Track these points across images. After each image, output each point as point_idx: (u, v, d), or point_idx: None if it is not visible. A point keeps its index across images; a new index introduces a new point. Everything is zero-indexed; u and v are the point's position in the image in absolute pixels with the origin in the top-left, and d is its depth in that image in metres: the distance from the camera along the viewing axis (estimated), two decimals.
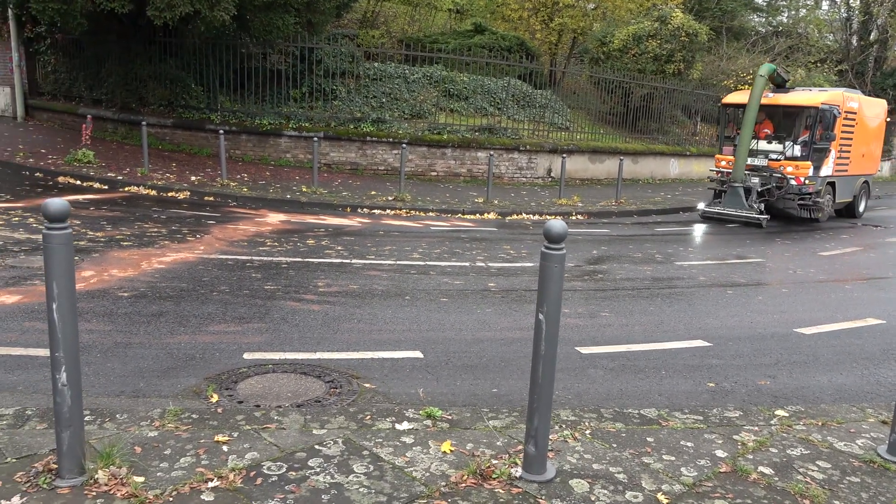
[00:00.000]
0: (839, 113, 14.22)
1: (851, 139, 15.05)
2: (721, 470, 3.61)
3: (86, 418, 3.76)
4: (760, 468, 3.67)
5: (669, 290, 8.20)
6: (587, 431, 3.99)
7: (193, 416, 3.93)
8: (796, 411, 4.52)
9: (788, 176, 13.92)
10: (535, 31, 25.09)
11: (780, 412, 4.47)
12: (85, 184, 13.06)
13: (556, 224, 3.21)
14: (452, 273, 8.39)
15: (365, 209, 13.05)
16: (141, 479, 3.21)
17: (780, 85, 15.00)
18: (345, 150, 17.79)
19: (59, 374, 3.04)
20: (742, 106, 14.66)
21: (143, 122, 14.51)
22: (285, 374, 4.92)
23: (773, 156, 14.19)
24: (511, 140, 18.96)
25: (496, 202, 14.56)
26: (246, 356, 5.20)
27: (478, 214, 13.54)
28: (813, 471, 3.68)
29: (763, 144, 14.39)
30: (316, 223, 11.34)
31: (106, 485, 3.13)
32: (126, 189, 12.91)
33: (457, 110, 19.44)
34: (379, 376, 4.99)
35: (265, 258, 8.43)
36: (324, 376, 4.90)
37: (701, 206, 14.92)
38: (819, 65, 30.08)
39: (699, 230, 13.36)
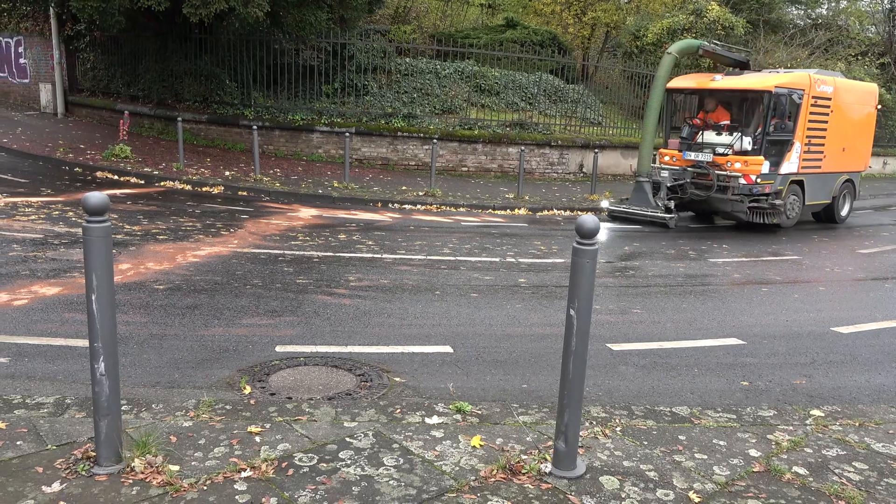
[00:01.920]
0: (801, 99, 12.20)
1: (825, 130, 12.79)
2: (754, 469, 3.56)
3: (123, 408, 3.83)
4: (795, 468, 3.61)
5: (703, 288, 8.12)
6: (618, 428, 3.96)
7: (227, 407, 3.99)
8: (832, 411, 4.44)
9: (734, 173, 12.08)
10: (567, 26, 24.89)
11: (815, 412, 4.39)
12: (122, 178, 13.32)
13: (588, 219, 3.19)
14: (483, 268, 8.40)
15: (396, 204, 13.11)
16: (176, 467, 3.26)
17: (739, 65, 13.60)
18: (376, 146, 17.86)
19: (98, 364, 3.10)
20: (689, 91, 13.43)
21: (179, 118, 14.73)
22: (317, 367, 4.97)
23: (721, 150, 12.32)
24: (542, 135, 18.85)
25: (527, 198, 14.50)
26: (278, 349, 5.26)
27: (508, 210, 13.53)
28: (849, 472, 3.60)
29: (712, 136, 12.60)
30: (347, 218, 11.43)
31: (142, 473, 3.18)
32: (162, 184, 13.14)
33: (488, 105, 19.37)
34: (409, 370, 5.01)
35: (297, 252, 8.52)
36: (355, 370, 4.94)
37: (605, 203, 13.67)
38: (860, 58, 29.31)
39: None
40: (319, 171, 15.94)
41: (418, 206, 13.13)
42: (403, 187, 14.75)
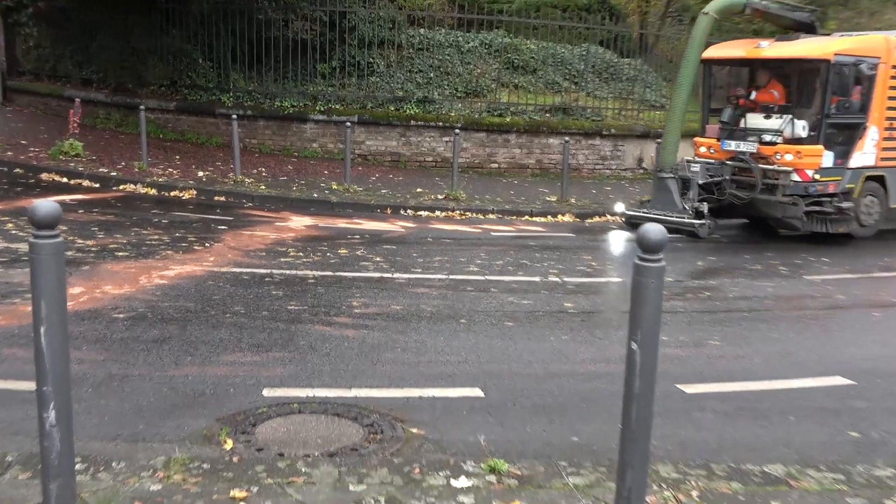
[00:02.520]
0: (873, 70, 11.74)
1: None
2: None
3: (77, 467, 3.82)
4: None
5: (798, 313, 8.06)
6: (694, 493, 3.93)
7: (204, 465, 3.99)
8: None
9: (784, 168, 11.70)
10: None
11: None
12: (72, 181, 13.54)
13: (653, 228, 3.19)
14: (519, 290, 8.40)
15: (409, 210, 13.18)
16: None
17: (802, 28, 13.14)
18: (384, 138, 17.99)
19: (48, 413, 3.12)
20: (731, 62, 13.25)
21: (142, 107, 14.99)
22: (314, 415, 4.96)
23: (768, 137, 11.92)
24: (591, 122, 18.87)
25: (573, 200, 14.51)
26: (266, 393, 5.28)
27: (550, 216, 13.55)
28: None
29: (758, 120, 12.22)
30: (349, 228, 11.50)
31: None
32: (121, 187, 13.34)
33: (523, 86, 19.47)
34: (429, 419, 5.00)
35: (288, 272, 8.58)
36: (361, 418, 4.94)
37: (619, 206, 13.56)
38: None
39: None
40: (314, 171, 16.05)
41: (437, 213, 13.20)
42: (418, 189, 14.80)
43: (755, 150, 11.91)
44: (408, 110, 17.98)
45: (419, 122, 17.88)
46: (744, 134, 12.26)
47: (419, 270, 9.04)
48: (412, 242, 10.76)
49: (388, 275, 8.74)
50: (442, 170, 17.42)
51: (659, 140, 15.51)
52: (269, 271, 8.54)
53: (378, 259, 9.50)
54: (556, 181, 16.65)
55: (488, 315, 7.38)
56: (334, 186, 14.24)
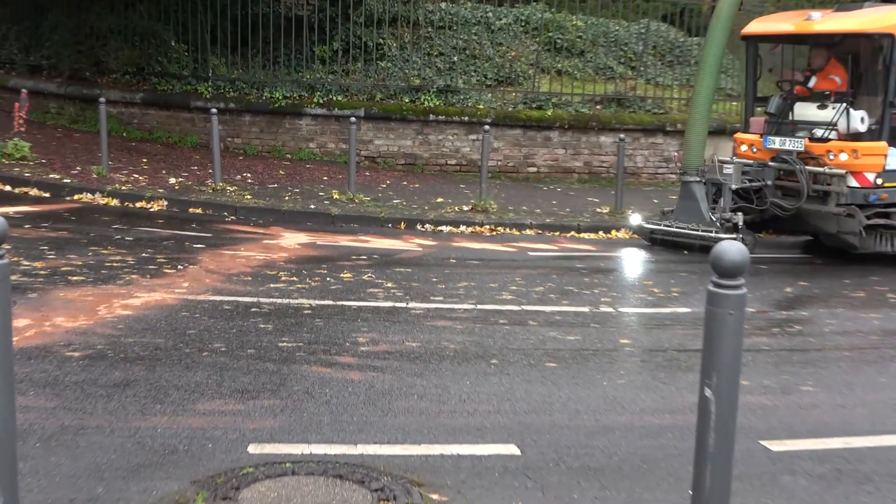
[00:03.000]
0: None
1: None
2: None
3: None
4: None
5: None
6: None
7: None
8: None
9: (837, 170, 11.53)
10: None
11: None
12: (17, 190, 13.65)
13: (731, 248, 3.19)
14: (563, 323, 8.38)
15: (427, 225, 13.20)
16: None
17: None
18: (397, 136, 18.08)
19: None
20: (780, 38, 13.16)
21: (102, 99, 15.02)
22: (311, 476, 4.92)
23: (820, 132, 11.81)
24: (653, 116, 18.86)
25: (630, 212, 14.42)
26: (252, 449, 5.26)
27: (602, 232, 13.54)
28: None
29: (810, 111, 12.13)
30: (354, 247, 11.51)
31: None
32: (76, 197, 13.42)
33: (567, 72, 19.50)
34: (453, 483, 4.96)
35: (279, 300, 8.59)
36: (369, 482, 4.89)
37: (634, 218, 13.45)
38: None
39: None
40: (311, 176, 16.13)
41: (462, 228, 13.23)
42: (439, 199, 14.82)
43: (802, 149, 11.87)
44: (426, 102, 18.08)
45: (440, 117, 17.96)
46: (791, 129, 12.27)
47: (440, 299, 9.02)
48: (431, 264, 10.77)
49: (402, 304, 8.72)
50: (468, 175, 17.46)
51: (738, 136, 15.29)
52: (255, 300, 8.53)
53: (389, 285, 9.48)
54: (608, 188, 16.70)
55: (525, 354, 7.34)
56: (336, 196, 14.26)
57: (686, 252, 12.29)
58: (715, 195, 12.40)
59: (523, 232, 13.35)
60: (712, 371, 3.21)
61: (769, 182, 12.19)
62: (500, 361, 7.13)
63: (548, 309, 8.89)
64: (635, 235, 13.30)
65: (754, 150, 12.58)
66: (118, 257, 9.94)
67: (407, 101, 18.12)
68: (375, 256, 11.02)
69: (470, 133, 17.94)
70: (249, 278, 9.45)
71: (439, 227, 13.19)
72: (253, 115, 18.05)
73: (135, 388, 6.13)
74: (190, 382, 6.29)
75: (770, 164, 12.23)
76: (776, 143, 12.21)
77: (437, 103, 18.07)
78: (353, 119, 14.70)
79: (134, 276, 9.16)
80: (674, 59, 20.60)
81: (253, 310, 8.22)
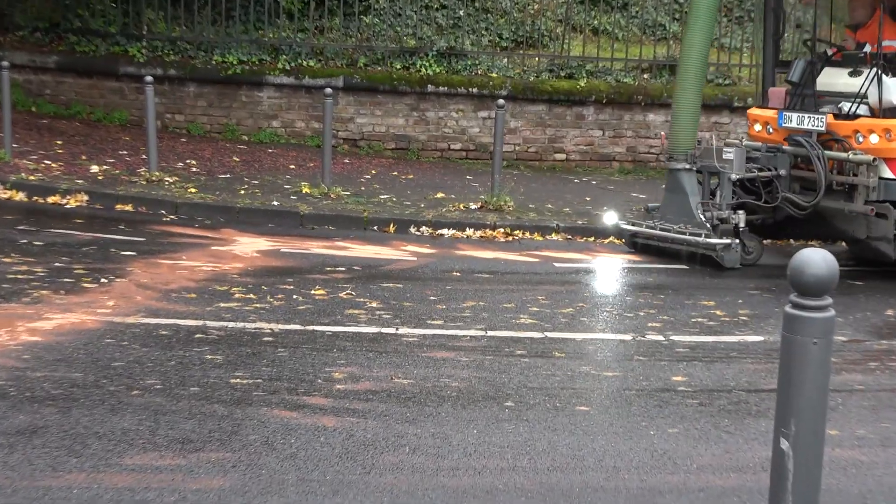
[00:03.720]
0: None
1: None
2: None
3: None
4: None
5: None
6: None
7: None
8: None
9: (863, 156, 11.31)
10: None
11: None
12: None
13: (814, 257, 3.17)
14: (598, 355, 8.34)
15: (424, 228, 13.19)
16: None
17: None
18: (385, 113, 18.11)
19: None
20: None
21: (4, 63, 14.95)
22: None
23: (846, 106, 11.76)
24: (715, 88, 18.84)
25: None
26: None
27: None
28: None
29: (841, 78, 12.09)
30: (329, 255, 11.50)
31: None
32: None
33: (606, 31, 19.46)
34: None
35: (231, 324, 8.56)
36: None
37: (610, 217, 13.68)
38: None
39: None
40: (274, 164, 16.13)
41: (469, 232, 13.24)
42: (439, 194, 14.81)
43: (823, 129, 11.72)
44: (423, 69, 18.06)
45: (441, 89, 17.96)
46: (814, 102, 12.17)
47: (439, 323, 8.97)
48: (429, 279, 10.74)
49: (391, 330, 8.67)
50: (476, 163, 17.47)
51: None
52: (201, 323, 8.51)
53: (374, 305, 9.44)
54: (658, 180, 16.62)
55: (549, 395, 7.27)
56: (306, 190, 14.24)
57: (673, 263, 12.27)
58: (713, 188, 12.41)
59: (548, 237, 13.35)
60: (790, 417, 3.19)
61: (783, 172, 12.08)
62: (516, 404, 7.06)
63: (578, 336, 8.83)
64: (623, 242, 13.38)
65: (770, 130, 12.54)
66: (24, 267, 9.88)
67: (398, 67, 18.11)
68: (357, 268, 10.98)
69: (479, 109, 17.92)
70: (193, 296, 9.41)
71: (439, 231, 13.19)
72: (199, 86, 18.03)
73: (44, 436, 6.05)
74: (115, 429, 6.21)
75: (784, 149, 12.14)
76: (793, 120, 12.12)
77: (438, 71, 18.06)
78: (328, 91, 14.66)
79: (44, 293, 9.09)
80: (744, 15, 20.56)
81: (198, 336, 8.19)
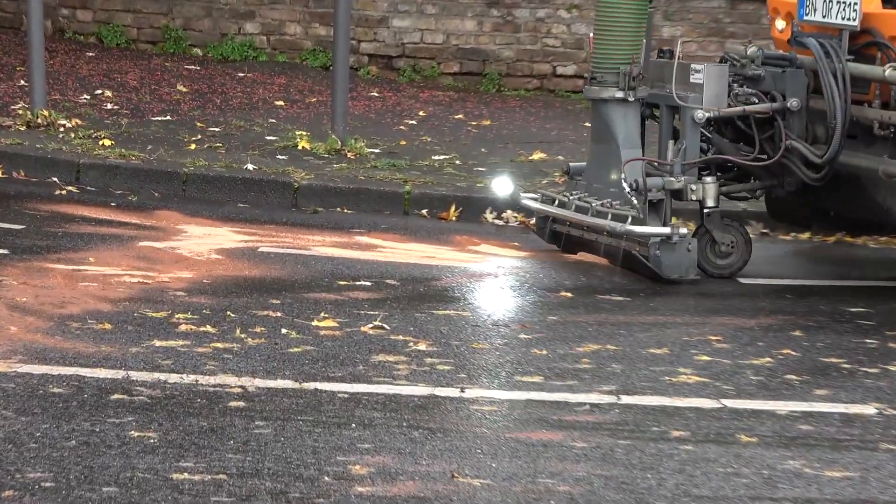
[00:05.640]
0: None
1: None
2: None
3: None
4: None
5: None
6: None
7: None
8: None
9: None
10: None
11: None
12: None
13: None
14: (822, 439, 6.37)
15: (509, 212, 11.20)
16: None
17: None
18: (443, 11, 15.73)
19: None
20: None
21: None
22: None
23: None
24: None
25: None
26: None
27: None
28: None
29: None
30: (341, 259, 9.84)
31: None
32: None
33: None
34: None
35: (174, 377, 6.72)
36: None
37: (503, 184, 11.09)
38: None
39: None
40: (249, 98, 14.60)
41: None
42: (536, 154, 12.80)
43: (856, 23, 9.49)
44: None
45: None
46: None
47: (537, 381, 6.90)
48: (517, 302, 8.96)
49: (451, 391, 6.68)
50: None
51: None
52: (122, 374, 6.54)
53: (422, 347, 7.42)
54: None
55: None
56: (304, 144, 12.24)
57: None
58: (672, 134, 10.09)
59: None
60: None
61: (793, 103, 9.54)
62: None
63: (785, 407, 6.70)
64: None
65: (796, 28, 10.16)
66: None
67: None
68: (391, 282, 8.96)
69: None
70: (108, 326, 7.45)
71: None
72: None
73: None
74: None
75: (800, 58, 9.90)
76: (817, 10, 9.79)
77: None
78: None
79: None
80: None
81: (115, 397, 6.21)
